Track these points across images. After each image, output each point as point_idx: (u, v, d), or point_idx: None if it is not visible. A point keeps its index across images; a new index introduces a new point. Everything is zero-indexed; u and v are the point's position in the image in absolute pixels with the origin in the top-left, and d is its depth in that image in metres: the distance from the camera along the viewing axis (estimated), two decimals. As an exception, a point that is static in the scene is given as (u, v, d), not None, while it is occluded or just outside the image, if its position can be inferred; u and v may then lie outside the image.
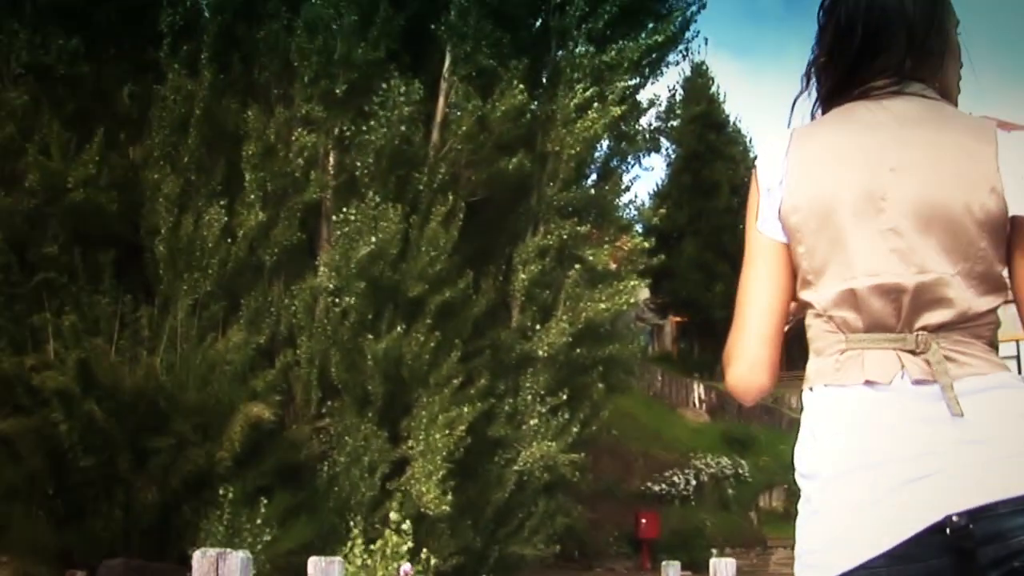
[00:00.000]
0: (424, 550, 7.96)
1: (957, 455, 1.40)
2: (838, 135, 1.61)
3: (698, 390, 33.58)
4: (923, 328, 1.49)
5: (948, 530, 1.36)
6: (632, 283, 17.02)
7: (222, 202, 14.09)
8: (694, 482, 25.32)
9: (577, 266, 15.83)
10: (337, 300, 14.56)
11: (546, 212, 16.24)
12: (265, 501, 12.07)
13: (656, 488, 24.74)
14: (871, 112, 1.60)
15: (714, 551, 23.36)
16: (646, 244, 18.03)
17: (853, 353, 1.52)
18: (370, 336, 14.41)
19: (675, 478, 25.12)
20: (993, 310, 1.52)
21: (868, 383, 1.48)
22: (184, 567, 11.52)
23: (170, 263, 14.03)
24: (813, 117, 1.72)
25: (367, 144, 14.49)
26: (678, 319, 40.74)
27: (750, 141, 39.05)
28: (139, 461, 12.84)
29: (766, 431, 29.42)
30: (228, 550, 3.53)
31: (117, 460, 12.72)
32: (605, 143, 17.67)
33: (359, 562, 7.70)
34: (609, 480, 22.43)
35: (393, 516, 7.94)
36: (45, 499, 12.64)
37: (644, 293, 31.87)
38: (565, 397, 15.33)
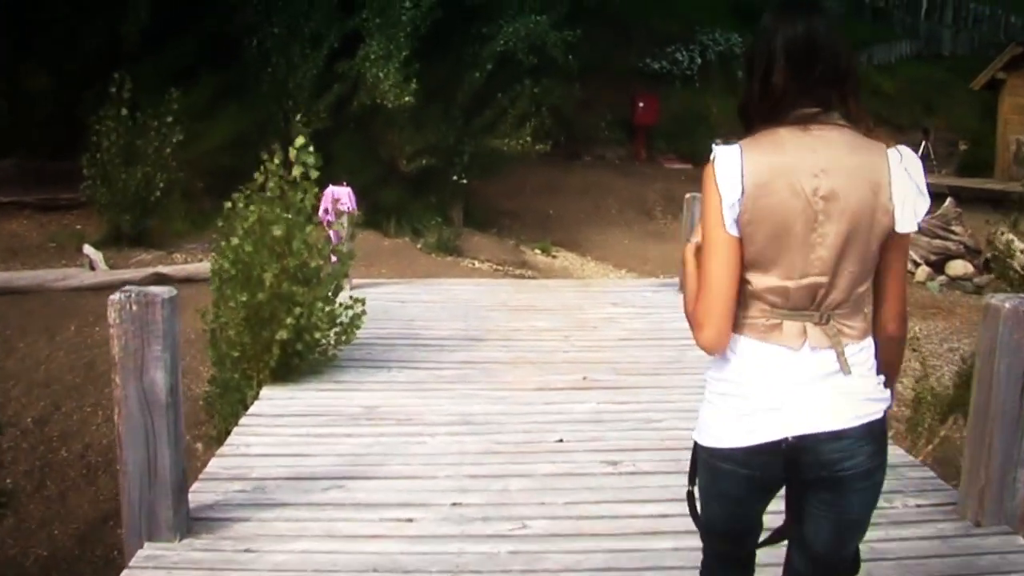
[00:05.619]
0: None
1: (806, 397, 2.30)
2: (782, 164, 2.27)
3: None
4: (828, 307, 2.31)
5: (784, 445, 2.30)
6: None
7: None
8: (699, 60, 23.32)
9: None
10: None
11: None
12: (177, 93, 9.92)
13: (656, 65, 22.80)
14: (805, 140, 2.27)
15: (718, 140, 21.57)
16: None
17: (775, 321, 2.33)
18: None
19: (678, 55, 23.12)
20: (869, 287, 2.38)
21: (783, 346, 2.32)
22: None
23: None
24: (745, 116, 2.37)
25: None
26: None
27: None
28: (24, 40, 10.85)
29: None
30: None
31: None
32: None
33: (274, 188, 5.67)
34: (603, 54, 20.04)
35: (299, 142, 5.76)
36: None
37: None
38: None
